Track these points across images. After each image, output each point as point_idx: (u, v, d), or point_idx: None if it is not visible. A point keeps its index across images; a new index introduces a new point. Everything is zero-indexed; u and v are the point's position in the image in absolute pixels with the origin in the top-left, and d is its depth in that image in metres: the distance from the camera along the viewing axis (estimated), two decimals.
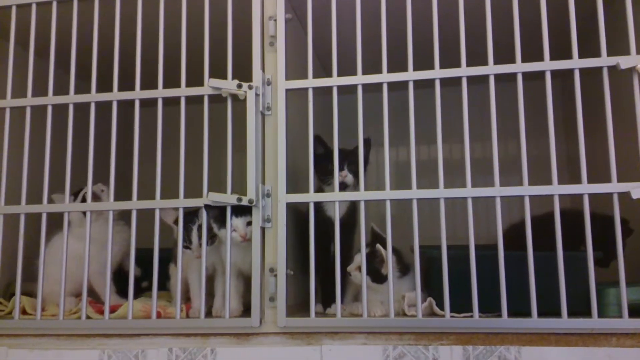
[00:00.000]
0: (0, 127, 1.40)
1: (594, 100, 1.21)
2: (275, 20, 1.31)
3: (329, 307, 1.36)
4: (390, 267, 1.21)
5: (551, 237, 1.14)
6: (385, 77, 1.25)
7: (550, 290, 1.12)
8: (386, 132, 1.23)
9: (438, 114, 1.22)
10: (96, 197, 1.44)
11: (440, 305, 1.19)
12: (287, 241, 1.25)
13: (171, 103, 1.32)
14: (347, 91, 1.28)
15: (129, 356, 1.25)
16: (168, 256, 1.46)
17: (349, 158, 1.34)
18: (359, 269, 1.24)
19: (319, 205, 1.32)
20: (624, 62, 1.15)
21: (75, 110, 1.37)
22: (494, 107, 1.21)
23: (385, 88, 1.25)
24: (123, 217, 1.45)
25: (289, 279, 1.24)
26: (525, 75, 1.20)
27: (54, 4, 1.40)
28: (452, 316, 1.16)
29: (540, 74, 1.20)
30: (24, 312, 1.39)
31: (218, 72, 1.30)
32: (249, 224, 1.28)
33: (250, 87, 1.27)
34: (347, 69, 1.28)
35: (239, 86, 1.27)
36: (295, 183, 1.33)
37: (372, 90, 1.26)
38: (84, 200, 1.41)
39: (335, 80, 1.27)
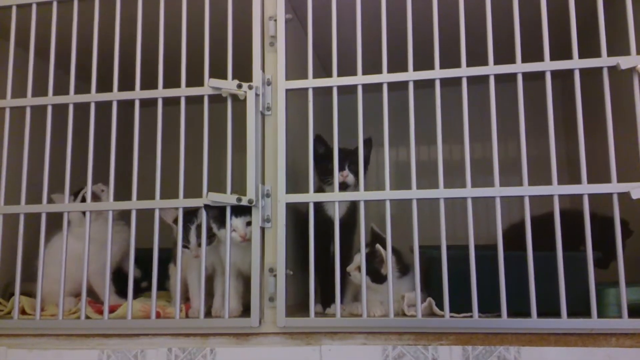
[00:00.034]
0: (0, 126, 1.40)
1: (594, 101, 1.21)
2: (275, 20, 1.31)
3: (329, 307, 1.35)
4: (389, 267, 1.21)
5: (551, 237, 1.14)
6: (385, 77, 1.25)
7: (549, 291, 1.12)
8: (386, 132, 1.23)
9: (438, 114, 1.22)
10: (96, 197, 1.44)
11: (440, 306, 1.19)
12: (287, 241, 1.25)
13: (171, 103, 1.32)
14: (347, 91, 1.28)
15: (128, 356, 1.25)
16: (168, 256, 1.46)
17: (350, 158, 1.34)
18: (359, 269, 1.24)
19: (319, 205, 1.32)
20: (624, 62, 1.15)
21: (75, 110, 1.37)
22: (494, 108, 1.21)
23: (385, 88, 1.25)
24: (123, 217, 1.45)
25: (288, 279, 1.24)
26: (525, 75, 1.20)
27: (54, 4, 1.40)
28: (451, 316, 1.16)
29: (541, 74, 1.20)
30: (23, 312, 1.39)
31: (218, 72, 1.30)
32: (249, 224, 1.28)
33: (250, 87, 1.27)
34: (347, 69, 1.28)
35: (239, 86, 1.28)
36: (295, 183, 1.33)
37: (372, 90, 1.26)
38: (83, 200, 1.41)
39: (335, 81, 1.27)
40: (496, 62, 1.21)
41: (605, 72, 1.17)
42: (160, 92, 1.34)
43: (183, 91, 1.33)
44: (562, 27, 1.20)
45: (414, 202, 1.21)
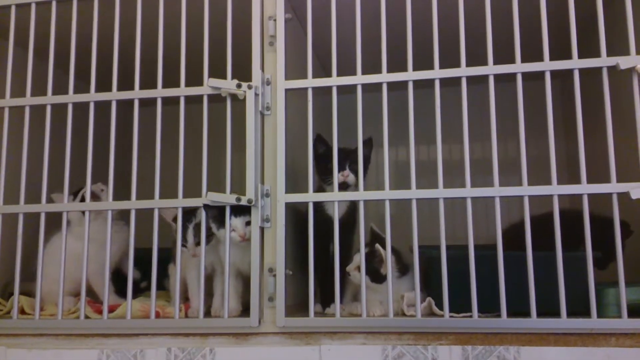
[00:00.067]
0: (0, 126, 1.40)
1: (594, 101, 1.21)
2: (274, 20, 1.31)
3: (328, 307, 1.35)
4: (389, 267, 1.21)
5: (550, 237, 1.14)
6: (384, 77, 1.25)
7: (549, 290, 1.12)
8: (386, 132, 1.23)
9: (438, 114, 1.22)
10: (96, 197, 1.44)
11: (440, 305, 1.19)
12: (287, 241, 1.25)
13: (170, 103, 1.32)
14: (346, 91, 1.28)
15: (128, 356, 1.25)
16: (167, 256, 1.46)
17: (350, 157, 1.33)
18: (358, 268, 1.24)
19: (319, 205, 1.32)
20: (623, 62, 1.15)
21: (74, 109, 1.37)
22: (493, 107, 1.20)
23: (384, 88, 1.25)
24: (123, 216, 1.45)
25: (288, 279, 1.24)
26: (525, 75, 1.20)
27: (54, 4, 1.40)
28: (451, 316, 1.16)
29: (540, 74, 1.20)
30: (22, 311, 1.39)
31: (217, 71, 1.30)
32: (248, 223, 1.28)
33: (249, 87, 1.27)
34: (346, 68, 1.28)
35: (239, 86, 1.27)
36: (294, 183, 1.33)
37: (372, 90, 1.26)
38: (83, 199, 1.41)
39: (334, 80, 1.27)
40: (496, 62, 1.21)
41: (604, 72, 1.17)
42: (160, 92, 1.34)
43: (182, 91, 1.33)
44: (562, 27, 1.20)
45: (413, 202, 1.21)
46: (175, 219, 1.34)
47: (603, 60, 1.17)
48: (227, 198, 1.26)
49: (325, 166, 1.35)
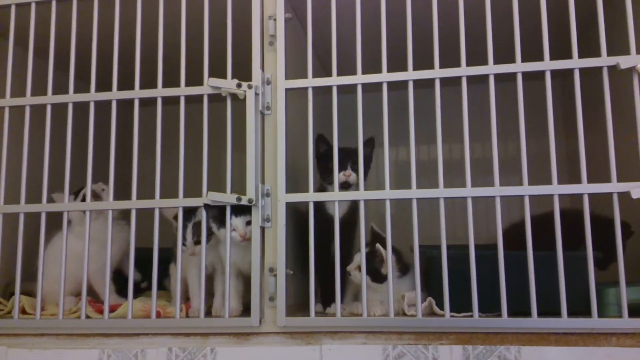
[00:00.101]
0: (0, 126, 1.40)
1: (594, 100, 1.21)
2: (275, 19, 1.31)
3: (329, 306, 1.36)
4: (390, 266, 1.21)
5: (551, 237, 1.14)
6: (385, 76, 1.25)
7: (550, 290, 1.12)
8: (386, 131, 1.23)
9: (438, 113, 1.22)
10: (97, 196, 1.44)
11: (440, 305, 1.19)
12: (287, 241, 1.25)
13: (171, 102, 1.32)
14: (346, 91, 1.28)
15: (129, 356, 1.25)
16: (168, 256, 1.46)
17: (352, 157, 1.33)
18: (359, 268, 1.24)
19: (320, 205, 1.32)
20: (624, 61, 1.15)
21: (74, 109, 1.37)
22: (493, 107, 1.20)
23: (385, 88, 1.25)
24: (124, 216, 1.45)
25: (288, 279, 1.24)
26: (525, 75, 1.20)
27: (54, 3, 1.39)
28: (451, 316, 1.16)
29: (540, 74, 1.20)
30: (23, 311, 1.39)
31: (217, 71, 1.30)
32: (249, 223, 1.28)
33: (249, 87, 1.27)
34: (346, 68, 1.27)
35: (239, 85, 1.27)
36: (295, 182, 1.33)
37: (372, 89, 1.26)
38: (84, 199, 1.41)
39: (335, 80, 1.27)
40: (496, 62, 1.21)
41: (605, 72, 1.17)
42: (160, 92, 1.34)
43: (182, 90, 1.33)
44: (562, 27, 1.20)
45: (414, 201, 1.21)
46: (176, 217, 1.34)
47: (603, 60, 1.17)
48: (228, 198, 1.26)
49: (326, 166, 1.35)
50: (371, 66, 1.26)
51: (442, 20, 1.23)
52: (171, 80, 1.32)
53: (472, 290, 1.15)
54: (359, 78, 1.26)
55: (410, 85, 1.24)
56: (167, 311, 1.34)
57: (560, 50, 1.21)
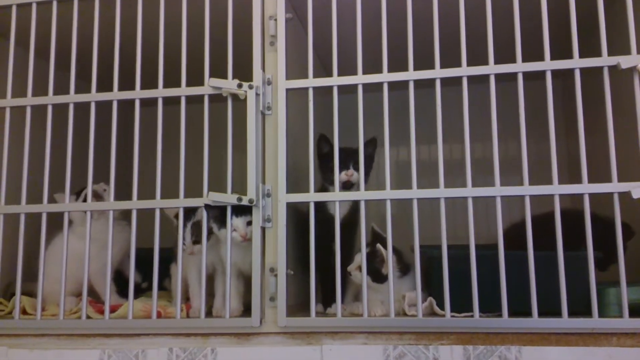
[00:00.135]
0: (1, 126, 1.40)
1: (595, 100, 1.21)
2: (275, 19, 1.31)
3: (330, 306, 1.36)
4: (390, 266, 1.21)
5: (552, 237, 1.14)
6: (385, 76, 1.25)
7: (550, 290, 1.12)
8: (386, 131, 1.24)
9: (438, 113, 1.22)
10: (98, 197, 1.44)
11: (441, 305, 1.19)
12: (288, 241, 1.25)
13: (171, 102, 1.32)
14: (347, 91, 1.28)
15: (129, 356, 1.25)
16: (168, 256, 1.46)
17: (354, 157, 1.33)
18: (359, 268, 1.24)
19: (321, 205, 1.32)
20: (624, 61, 1.15)
21: (75, 109, 1.37)
22: (494, 107, 1.21)
23: (385, 88, 1.25)
24: (125, 216, 1.45)
25: (289, 279, 1.24)
26: (526, 75, 1.20)
27: (54, 4, 1.40)
28: (452, 316, 1.16)
29: (541, 74, 1.20)
30: (24, 312, 1.39)
31: (218, 71, 1.30)
32: (249, 223, 1.28)
33: (250, 87, 1.27)
34: (347, 68, 1.28)
35: (240, 86, 1.27)
36: (296, 183, 1.33)
37: (373, 89, 1.26)
38: (86, 199, 1.41)
39: (335, 80, 1.27)
40: (497, 62, 1.21)
41: (605, 72, 1.17)
42: (161, 92, 1.34)
43: (183, 91, 1.33)
44: (563, 27, 1.20)
45: (414, 201, 1.21)
46: (176, 215, 1.35)
47: (604, 60, 1.17)
48: (228, 198, 1.26)
49: (328, 166, 1.35)
50: (372, 66, 1.26)
51: (443, 20, 1.23)
52: (172, 80, 1.32)
53: (473, 290, 1.15)
54: (360, 78, 1.26)
55: (411, 85, 1.25)
56: (168, 311, 1.34)
57: (561, 50, 1.21)
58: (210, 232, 1.32)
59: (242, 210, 1.28)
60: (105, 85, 1.36)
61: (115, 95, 1.35)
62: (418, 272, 1.20)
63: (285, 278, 1.23)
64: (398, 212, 1.38)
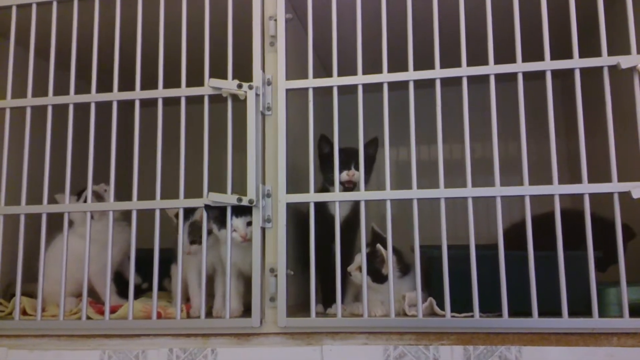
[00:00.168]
0: (1, 127, 1.40)
1: (595, 100, 1.21)
2: (275, 20, 1.31)
3: (330, 307, 1.35)
4: (390, 267, 1.21)
5: (552, 236, 1.14)
6: (385, 77, 1.25)
7: (550, 290, 1.12)
8: (386, 132, 1.24)
9: (438, 113, 1.22)
10: (100, 197, 1.44)
11: (441, 305, 1.19)
12: (288, 241, 1.25)
13: (171, 103, 1.32)
14: (347, 91, 1.28)
15: (130, 357, 1.25)
16: (169, 256, 1.46)
17: (355, 157, 1.33)
18: (360, 269, 1.24)
19: (322, 205, 1.32)
20: (624, 61, 1.15)
21: (75, 110, 1.37)
22: (494, 107, 1.21)
23: (385, 88, 1.25)
24: (125, 217, 1.45)
25: (289, 279, 1.24)
26: (526, 75, 1.20)
27: (54, 4, 1.40)
28: (452, 316, 1.16)
29: (541, 74, 1.20)
30: (24, 312, 1.39)
31: (218, 72, 1.30)
32: (249, 224, 1.28)
33: (250, 87, 1.27)
34: (347, 68, 1.28)
35: (239, 86, 1.27)
36: (296, 183, 1.33)
37: (373, 90, 1.26)
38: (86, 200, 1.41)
39: (335, 80, 1.27)
40: (496, 62, 1.21)
41: (605, 72, 1.17)
42: (161, 92, 1.34)
43: (183, 91, 1.33)
44: (563, 27, 1.20)
45: (414, 201, 1.21)
46: (177, 215, 1.35)
47: (604, 60, 1.17)
48: (228, 198, 1.26)
49: (329, 166, 1.35)
50: (372, 66, 1.26)
51: (443, 20, 1.23)
52: (172, 81, 1.32)
53: (473, 291, 1.15)
54: (360, 78, 1.26)
55: (411, 86, 1.25)
56: (168, 312, 1.34)
57: (561, 50, 1.21)
58: (208, 232, 1.32)
59: (242, 211, 1.28)
60: (105, 85, 1.36)
61: (115, 95, 1.35)
62: (418, 272, 1.20)
63: (285, 278, 1.23)
64: (398, 212, 1.38)
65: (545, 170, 1.18)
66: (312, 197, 1.26)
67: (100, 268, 1.37)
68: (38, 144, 1.36)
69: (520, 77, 1.20)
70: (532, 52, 1.21)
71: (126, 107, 1.38)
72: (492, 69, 1.21)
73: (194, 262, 1.39)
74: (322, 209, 1.33)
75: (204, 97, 1.31)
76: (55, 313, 1.37)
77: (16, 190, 1.35)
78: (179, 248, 1.34)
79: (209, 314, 1.32)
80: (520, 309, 1.13)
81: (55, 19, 1.39)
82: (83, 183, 1.35)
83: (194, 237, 1.36)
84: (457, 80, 1.22)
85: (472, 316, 1.15)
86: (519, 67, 1.20)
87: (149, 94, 1.34)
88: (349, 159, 1.32)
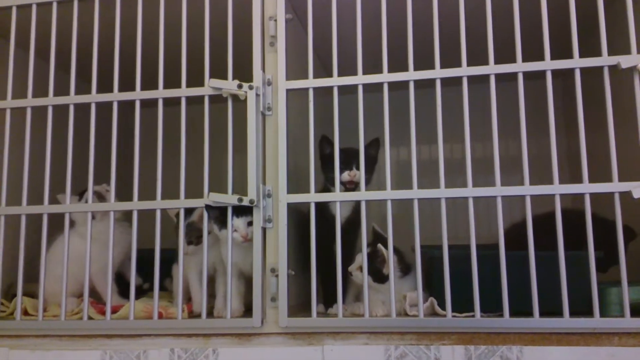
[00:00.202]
0: (1, 127, 1.40)
1: (595, 100, 1.21)
2: (275, 20, 1.31)
3: (331, 307, 1.35)
4: (391, 267, 1.21)
5: (552, 236, 1.14)
6: (385, 77, 1.25)
7: (551, 290, 1.12)
8: (387, 132, 1.24)
9: (439, 113, 1.22)
10: (101, 197, 1.44)
11: (442, 305, 1.19)
12: (289, 241, 1.25)
13: (172, 103, 1.32)
14: (347, 91, 1.28)
15: (131, 357, 1.25)
16: (169, 257, 1.46)
17: (357, 157, 1.33)
18: (360, 268, 1.24)
19: (324, 205, 1.32)
20: (624, 61, 1.15)
21: (75, 110, 1.37)
22: (494, 107, 1.21)
23: (386, 88, 1.25)
24: (127, 217, 1.45)
25: (290, 279, 1.24)
26: (526, 74, 1.20)
27: (54, 5, 1.40)
28: (453, 316, 1.16)
29: (541, 74, 1.20)
30: (25, 312, 1.39)
31: (218, 72, 1.30)
32: (250, 224, 1.28)
33: (250, 88, 1.27)
34: (347, 68, 1.28)
35: (240, 86, 1.27)
36: (297, 183, 1.33)
37: (373, 90, 1.26)
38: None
39: (335, 80, 1.27)
40: (497, 62, 1.21)
41: (606, 71, 1.17)
42: (161, 93, 1.34)
43: (183, 91, 1.33)
44: (563, 27, 1.20)
45: (415, 201, 1.21)
46: (177, 215, 1.35)
47: (604, 60, 1.17)
48: (229, 199, 1.26)
49: (330, 166, 1.35)
50: (372, 66, 1.26)
51: (443, 20, 1.23)
52: (172, 81, 1.32)
53: (474, 290, 1.15)
54: (360, 78, 1.26)
55: (411, 86, 1.24)
56: (169, 312, 1.34)
57: (561, 50, 1.21)
58: (208, 232, 1.33)
59: (243, 211, 1.28)
60: (105, 86, 1.36)
61: (116, 96, 1.35)
62: (419, 272, 1.20)
63: (286, 278, 1.23)
64: (399, 212, 1.39)
65: (546, 170, 1.18)
66: (312, 197, 1.26)
67: (102, 268, 1.38)
68: (39, 144, 1.36)
69: (520, 77, 1.20)
70: (532, 52, 1.21)
71: (126, 107, 1.38)
72: (492, 68, 1.21)
73: (195, 262, 1.39)
74: (323, 209, 1.33)
75: (204, 98, 1.31)
76: (56, 313, 1.37)
77: (17, 191, 1.35)
78: (179, 248, 1.34)
79: (210, 314, 1.32)
80: (521, 308, 1.13)
81: (55, 20, 1.39)
82: (84, 183, 1.35)
83: (190, 237, 1.37)
84: (458, 80, 1.22)
85: (473, 316, 1.15)
86: (519, 67, 1.20)
87: (149, 94, 1.34)
88: (350, 159, 1.32)
